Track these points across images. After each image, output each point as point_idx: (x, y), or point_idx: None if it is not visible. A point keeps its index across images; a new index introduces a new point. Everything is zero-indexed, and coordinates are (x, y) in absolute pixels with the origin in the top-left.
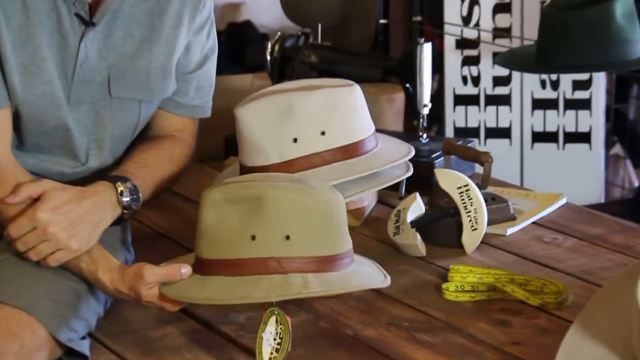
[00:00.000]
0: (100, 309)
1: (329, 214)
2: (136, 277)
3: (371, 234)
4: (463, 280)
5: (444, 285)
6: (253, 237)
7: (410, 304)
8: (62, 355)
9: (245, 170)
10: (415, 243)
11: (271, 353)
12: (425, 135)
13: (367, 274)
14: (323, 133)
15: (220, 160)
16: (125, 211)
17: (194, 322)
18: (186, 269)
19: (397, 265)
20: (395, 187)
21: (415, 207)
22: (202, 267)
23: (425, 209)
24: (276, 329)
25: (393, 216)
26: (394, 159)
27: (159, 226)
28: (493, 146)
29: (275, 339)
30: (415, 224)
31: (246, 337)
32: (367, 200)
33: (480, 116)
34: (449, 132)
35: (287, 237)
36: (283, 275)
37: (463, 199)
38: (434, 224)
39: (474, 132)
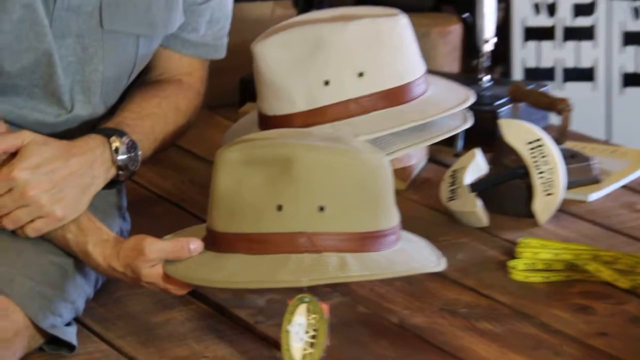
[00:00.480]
0: (90, 289)
1: (373, 181)
2: (135, 252)
3: (420, 199)
4: (535, 256)
5: (511, 263)
6: (279, 208)
7: (469, 286)
8: (43, 344)
9: (265, 119)
10: (475, 210)
11: (304, 349)
12: (487, 78)
13: (416, 255)
14: (361, 74)
15: (234, 108)
16: (120, 172)
17: (204, 305)
18: (196, 244)
19: (452, 238)
20: (450, 141)
21: (475, 166)
22: (216, 243)
23: (488, 169)
24: (307, 320)
25: (447, 177)
26: (449, 106)
27: (160, 188)
28: (573, 91)
29: (307, 332)
30: (475, 187)
31: (266, 324)
32: (415, 157)
33: (556, 53)
34: (517, 74)
35: (321, 209)
36: (315, 254)
37: (535, 157)
38: (499, 188)
39: (548, 74)
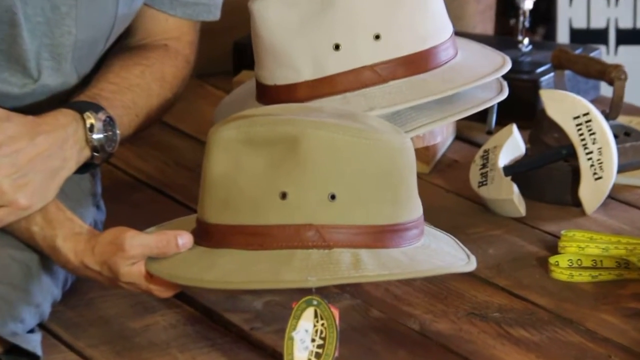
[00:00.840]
0: (57, 290)
1: (393, 165)
2: (113, 247)
3: (445, 184)
4: (581, 252)
5: (553, 260)
6: (283, 195)
7: (503, 286)
8: (1, 355)
9: (264, 90)
10: (511, 198)
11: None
12: (527, 41)
13: (442, 252)
14: (377, 37)
15: (228, 76)
16: (96, 154)
17: (190, 308)
18: (185, 239)
19: (483, 230)
20: (482, 116)
21: (511, 145)
22: (208, 237)
23: (526, 149)
24: (315, 326)
25: (479, 159)
26: (481, 74)
27: (140, 172)
28: (627, 56)
29: (314, 340)
30: (512, 170)
31: (264, 331)
32: (441, 135)
33: (609, 12)
34: (563, 37)
35: (332, 197)
36: (325, 250)
37: (582, 134)
38: (539, 171)
39: (599, 36)
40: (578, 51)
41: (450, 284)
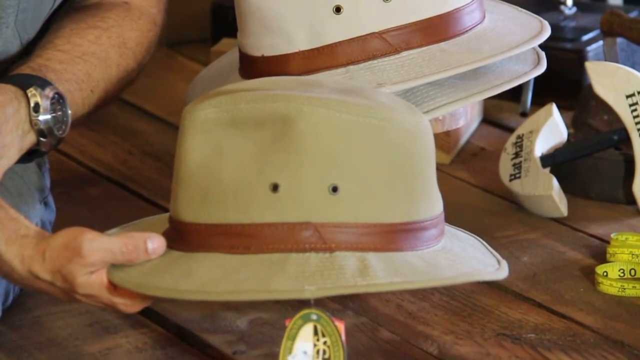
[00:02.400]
0: None
1: (408, 151)
2: (67, 252)
3: (470, 177)
4: (634, 260)
5: (600, 269)
6: (275, 188)
7: (540, 302)
8: None
9: (250, 62)
10: (550, 194)
11: None
12: (570, 2)
13: (467, 257)
14: None
15: (205, 45)
16: (42, 139)
17: (160, 328)
18: (156, 243)
19: (516, 233)
20: (515, 94)
21: (551, 130)
22: (183, 239)
23: (569, 134)
24: (315, 346)
25: (511, 147)
26: (513, 43)
27: (97, 162)
28: None
29: None
30: (551, 160)
31: (249, 356)
32: (464, 118)
33: None
34: None
35: (334, 189)
36: (325, 253)
37: (637, 116)
38: (584, 161)
39: None
40: (633, 14)
41: (475, 298)
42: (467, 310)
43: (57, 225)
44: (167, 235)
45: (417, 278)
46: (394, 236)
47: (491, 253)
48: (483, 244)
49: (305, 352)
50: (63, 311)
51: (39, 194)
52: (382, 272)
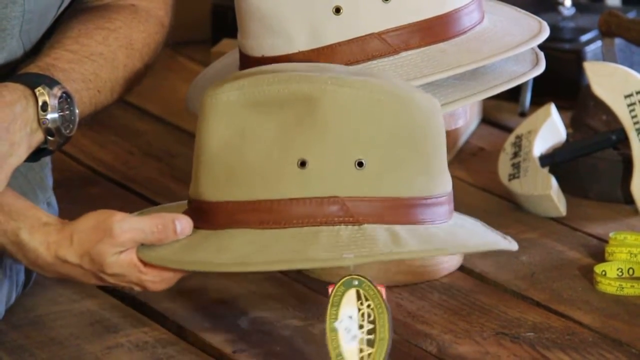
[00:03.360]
0: (1, 307)
1: (429, 129)
2: (97, 234)
3: (469, 176)
4: (633, 259)
5: (599, 269)
6: (302, 164)
7: (539, 301)
8: None
9: (250, 63)
10: (549, 194)
11: (361, 350)
12: (569, 3)
13: (479, 232)
14: None
15: (205, 46)
16: (50, 138)
17: (160, 327)
18: (184, 223)
19: (515, 232)
20: (514, 94)
21: (549, 130)
22: (210, 218)
23: (567, 134)
24: (360, 310)
25: (509, 147)
26: (512, 44)
27: (98, 161)
28: None
29: (361, 326)
30: (550, 160)
31: (250, 354)
32: (463, 118)
33: None
34: None
35: (359, 164)
36: (354, 226)
37: (635, 116)
38: (583, 161)
39: None
40: (631, 15)
41: (474, 297)
42: (466, 309)
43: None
44: (191, 216)
45: (445, 246)
46: (415, 210)
47: (495, 231)
48: (484, 224)
49: (350, 317)
50: (63, 311)
51: (42, 193)
52: (413, 241)
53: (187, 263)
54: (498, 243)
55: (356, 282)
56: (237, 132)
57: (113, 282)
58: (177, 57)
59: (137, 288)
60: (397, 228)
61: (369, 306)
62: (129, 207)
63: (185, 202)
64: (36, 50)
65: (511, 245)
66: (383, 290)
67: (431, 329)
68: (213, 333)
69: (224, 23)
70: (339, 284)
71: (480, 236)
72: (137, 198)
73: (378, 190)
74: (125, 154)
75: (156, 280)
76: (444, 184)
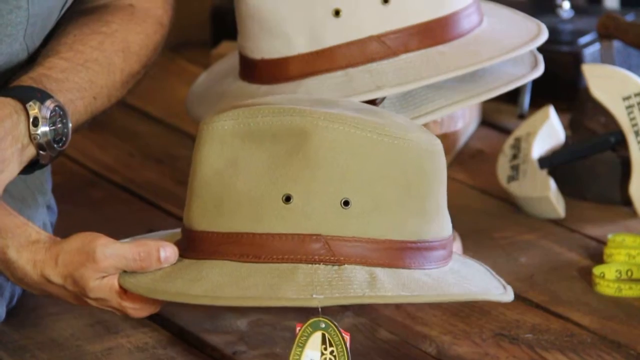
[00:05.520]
0: (1, 309)
1: (421, 171)
2: (81, 257)
3: (468, 178)
4: (631, 261)
5: (597, 270)
6: (287, 199)
7: (538, 302)
8: None
9: (250, 65)
10: (547, 195)
11: None
12: (567, 5)
13: (474, 279)
14: (386, 0)
15: (205, 48)
16: (41, 152)
17: (161, 329)
18: (168, 252)
19: (514, 234)
20: (513, 97)
21: (548, 132)
22: (195, 247)
23: (566, 137)
24: (323, 355)
25: (508, 149)
26: (511, 46)
27: (99, 164)
28: None
29: None
30: (548, 162)
31: (250, 356)
32: (462, 120)
33: None
34: (611, 0)
35: (345, 203)
36: (334, 266)
37: (634, 119)
38: (581, 163)
39: None
40: (629, 17)
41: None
42: (465, 310)
43: (59, 227)
44: (179, 244)
45: (424, 292)
46: (402, 253)
47: (497, 279)
48: (489, 270)
49: None
50: (65, 311)
51: (42, 197)
52: (390, 285)
53: (161, 292)
54: (487, 294)
55: (323, 325)
56: (229, 161)
57: (96, 305)
58: (177, 60)
59: (118, 313)
60: (379, 271)
61: (332, 352)
62: (129, 209)
63: (178, 230)
64: (39, 52)
65: (503, 296)
66: (347, 337)
67: (430, 330)
68: (213, 334)
69: (224, 25)
70: (306, 324)
71: (472, 284)
72: (137, 200)
73: (364, 231)
74: (126, 156)
75: (136, 307)
76: (440, 227)
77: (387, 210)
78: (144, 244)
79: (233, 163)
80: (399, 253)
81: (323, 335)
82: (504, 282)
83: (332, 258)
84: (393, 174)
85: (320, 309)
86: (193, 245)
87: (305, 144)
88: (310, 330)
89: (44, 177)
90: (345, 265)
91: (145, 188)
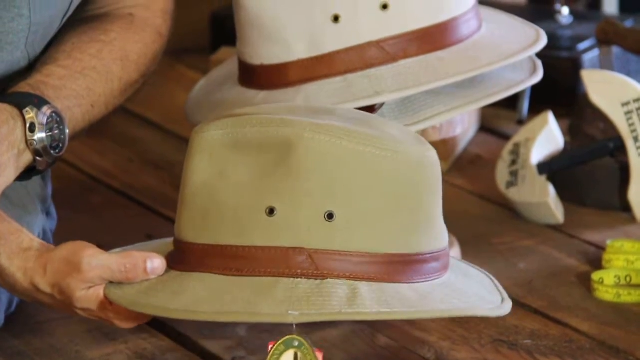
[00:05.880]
0: (0, 315)
1: (410, 185)
2: (67, 267)
3: (466, 184)
4: (630, 267)
5: (596, 276)
6: (270, 211)
7: (536, 308)
8: None
9: (249, 71)
10: (547, 201)
11: None
12: (566, 11)
13: (467, 293)
14: (385, 6)
15: (204, 54)
16: (38, 158)
17: (160, 335)
18: (156, 263)
19: (512, 240)
20: (512, 102)
21: (547, 138)
22: (183, 259)
23: (565, 142)
24: None
25: (507, 154)
26: (510, 52)
27: (98, 169)
28: None
29: None
30: (547, 167)
31: None
32: (461, 125)
33: None
34: (610, 6)
35: (329, 216)
36: (316, 280)
37: (633, 124)
38: (580, 169)
39: None
40: (628, 23)
41: None
42: (464, 317)
43: (58, 233)
44: (170, 255)
45: (403, 309)
46: (389, 267)
47: (498, 291)
48: (493, 281)
49: None
50: (63, 318)
51: (41, 204)
52: (370, 302)
53: (142, 305)
54: (473, 309)
55: (296, 343)
56: (217, 172)
57: (84, 315)
58: (176, 65)
59: (106, 323)
60: (362, 285)
61: None
62: (128, 214)
63: (171, 240)
64: (38, 59)
65: (493, 311)
66: (320, 357)
67: (429, 336)
68: (212, 340)
69: (223, 31)
70: (279, 342)
71: (463, 299)
72: (136, 205)
73: (349, 244)
74: (125, 161)
75: (122, 318)
76: (433, 239)
77: (373, 223)
78: (130, 255)
79: (220, 174)
80: (385, 267)
81: (295, 355)
82: (505, 296)
83: (316, 272)
84: (380, 187)
85: (294, 326)
86: (181, 257)
87: (289, 155)
88: (283, 348)
89: (44, 183)
90: (328, 280)
91: (144, 194)
